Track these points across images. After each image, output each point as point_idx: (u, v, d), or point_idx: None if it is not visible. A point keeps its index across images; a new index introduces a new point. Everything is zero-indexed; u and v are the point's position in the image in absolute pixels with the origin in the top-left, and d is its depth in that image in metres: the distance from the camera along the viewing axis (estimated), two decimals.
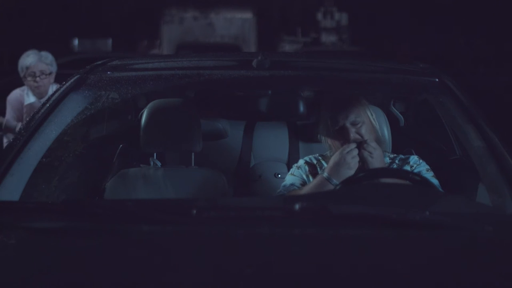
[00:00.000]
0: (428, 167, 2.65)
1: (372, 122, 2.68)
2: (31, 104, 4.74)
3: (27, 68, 4.66)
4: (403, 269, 1.57)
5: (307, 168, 2.72)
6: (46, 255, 1.62)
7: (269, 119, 3.48)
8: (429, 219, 1.74)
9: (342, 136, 2.62)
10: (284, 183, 2.72)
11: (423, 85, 2.50)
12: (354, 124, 2.61)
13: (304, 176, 2.70)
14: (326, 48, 21.31)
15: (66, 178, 2.80)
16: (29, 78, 4.69)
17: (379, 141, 2.66)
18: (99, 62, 2.55)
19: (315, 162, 2.74)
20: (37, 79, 4.67)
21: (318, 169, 2.71)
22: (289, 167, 3.26)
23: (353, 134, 2.59)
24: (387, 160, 2.71)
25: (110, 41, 18.10)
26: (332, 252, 1.63)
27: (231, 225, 1.73)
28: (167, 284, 1.48)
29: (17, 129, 4.52)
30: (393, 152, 2.92)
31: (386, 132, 2.93)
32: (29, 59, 4.68)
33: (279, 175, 3.24)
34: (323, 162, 2.73)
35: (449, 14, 17.95)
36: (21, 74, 4.73)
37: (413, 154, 3.01)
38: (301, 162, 2.77)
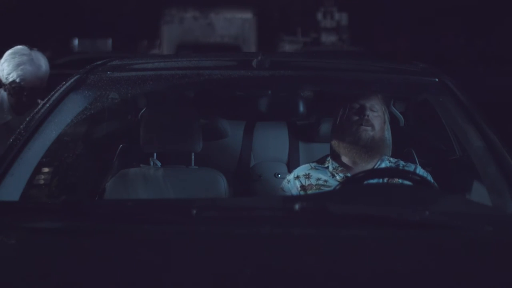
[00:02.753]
0: (432, 179, 2.64)
1: (385, 121, 2.71)
2: (7, 124, 3.46)
3: (18, 80, 3.38)
4: (403, 269, 1.56)
5: (297, 184, 2.69)
6: (46, 255, 1.62)
7: (269, 119, 3.48)
8: (429, 219, 1.74)
9: (358, 113, 2.63)
10: None
11: (423, 85, 2.50)
12: (371, 109, 2.63)
13: (293, 192, 2.67)
14: (326, 48, 21.31)
15: (66, 178, 2.81)
16: (12, 92, 3.43)
17: (383, 142, 2.66)
18: (99, 62, 2.55)
19: (307, 172, 2.72)
20: (25, 98, 3.43)
21: (313, 180, 2.68)
22: (289, 167, 3.26)
23: (368, 112, 2.61)
24: (388, 164, 2.70)
25: (110, 41, 18.11)
26: (332, 252, 1.63)
27: (231, 225, 1.73)
28: (167, 284, 1.48)
29: None
30: (393, 151, 2.92)
31: (387, 133, 2.93)
32: (24, 68, 3.37)
33: (279, 175, 3.24)
34: (314, 172, 2.70)
35: (449, 14, 17.95)
36: (4, 80, 3.43)
37: (413, 154, 3.01)
38: (291, 176, 2.75)
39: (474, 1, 16.77)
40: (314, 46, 23.55)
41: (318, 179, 2.66)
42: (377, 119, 2.64)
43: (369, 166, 2.66)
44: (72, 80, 2.40)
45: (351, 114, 2.65)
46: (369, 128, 2.61)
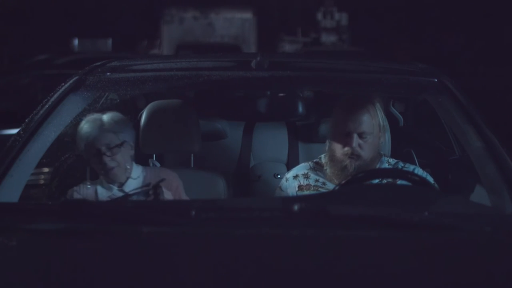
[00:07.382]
0: (432, 180, 2.62)
1: (380, 130, 2.61)
2: None
3: None
4: (402, 270, 1.57)
5: (295, 183, 2.68)
6: (46, 257, 1.62)
7: (268, 120, 3.48)
8: (429, 219, 1.74)
9: (345, 141, 2.54)
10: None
11: (422, 85, 2.50)
12: (361, 135, 2.54)
13: (291, 191, 2.66)
14: (326, 48, 21.29)
15: (66, 178, 2.80)
16: None
17: (371, 160, 2.59)
18: (98, 63, 2.54)
19: (306, 171, 2.70)
20: None
21: (311, 181, 2.66)
22: (288, 168, 3.25)
23: (355, 144, 2.52)
24: (387, 166, 2.68)
25: (110, 41, 18.12)
26: (331, 253, 1.63)
27: (230, 226, 1.73)
28: (166, 284, 1.48)
29: None
30: (392, 151, 2.91)
31: (382, 138, 2.92)
32: None
33: (279, 176, 3.24)
34: (312, 172, 2.68)
35: (449, 14, 17.95)
36: None
37: (412, 154, 3.00)
38: (290, 174, 2.73)
39: (474, 1, 16.76)
40: (314, 46, 23.54)
41: (317, 180, 2.65)
42: (366, 145, 2.55)
43: None
44: (71, 81, 2.39)
45: (339, 137, 2.57)
46: (354, 157, 2.53)
